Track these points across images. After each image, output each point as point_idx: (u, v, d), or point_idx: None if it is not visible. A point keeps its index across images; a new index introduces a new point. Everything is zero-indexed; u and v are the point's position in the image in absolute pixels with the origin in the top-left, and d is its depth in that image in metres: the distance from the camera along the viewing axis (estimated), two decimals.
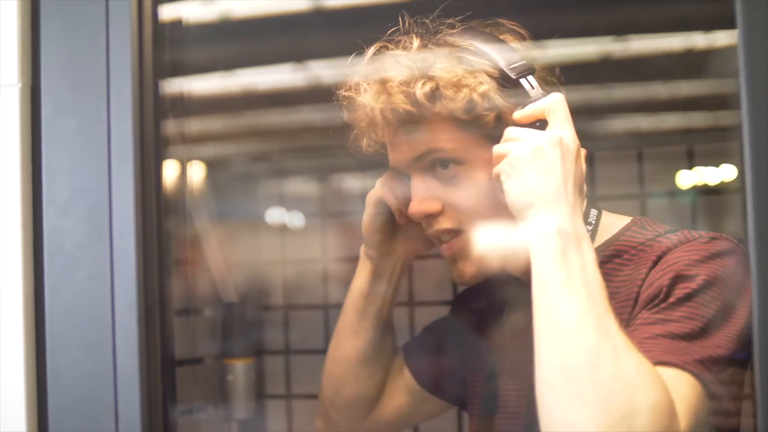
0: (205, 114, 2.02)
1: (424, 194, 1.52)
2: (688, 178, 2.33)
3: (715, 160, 2.29)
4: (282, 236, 2.57)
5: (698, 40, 1.96)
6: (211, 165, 2.33)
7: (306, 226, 2.58)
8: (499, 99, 1.44)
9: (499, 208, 1.41)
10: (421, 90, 1.45)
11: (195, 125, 1.83)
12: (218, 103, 2.16)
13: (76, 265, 1.28)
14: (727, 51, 1.79)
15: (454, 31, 1.51)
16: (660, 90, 2.12)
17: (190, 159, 1.96)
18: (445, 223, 1.52)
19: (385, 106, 1.48)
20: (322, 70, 2.09)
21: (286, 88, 2.18)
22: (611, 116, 2.21)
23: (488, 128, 1.45)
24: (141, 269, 1.26)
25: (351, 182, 2.56)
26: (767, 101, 1.09)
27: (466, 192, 1.49)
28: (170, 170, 1.48)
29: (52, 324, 1.29)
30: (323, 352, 2.22)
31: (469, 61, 1.46)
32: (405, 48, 1.49)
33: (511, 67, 1.44)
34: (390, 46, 1.50)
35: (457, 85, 1.44)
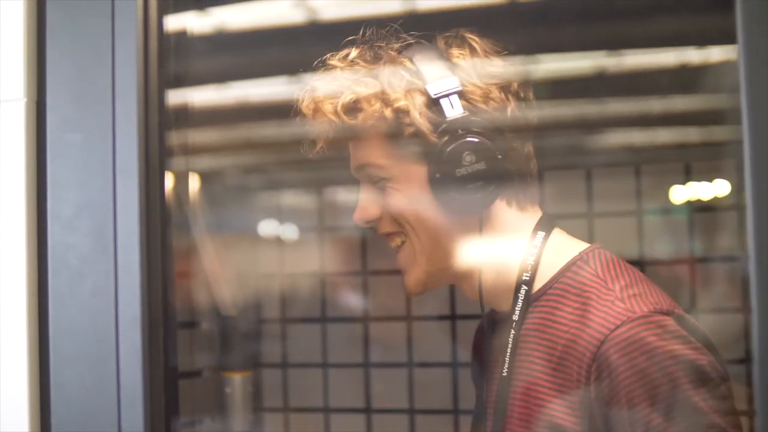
0: (204, 126, 2.03)
1: (364, 202, 1.56)
2: (681, 194, 2.33)
3: (709, 175, 2.30)
4: (279, 249, 2.58)
5: (693, 55, 1.97)
6: (210, 177, 2.33)
7: (304, 239, 2.58)
8: (417, 115, 1.46)
9: (434, 224, 1.49)
10: (341, 101, 1.49)
11: (194, 137, 1.84)
12: (216, 115, 2.16)
13: (81, 280, 1.28)
14: (722, 66, 1.80)
15: (402, 44, 1.53)
16: (654, 105, 2.13)
17: (191, 171, 1.96)
18: (385, 227, 1.56)
19: (318, 117, 1.52)
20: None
21: (285, 100, 2.18)
22: (605, 131, 2.21)
23: (409, 144, 1.49)
24: (145, 284, 1.26)
25: (351, 196, 2.56)
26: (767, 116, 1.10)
27: (397, 201, 1.52)
28: (172, 183, 1.48)
29: (56, 338, 1.29)
30: (320, 365, 2.23)
31: (400, 76, 1.49)
32: (342, 59, 1.52)
33: (434, 84, 1.46)
34: (332, 57, 1.53)
35: (375, 99, 1.48)
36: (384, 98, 1.48)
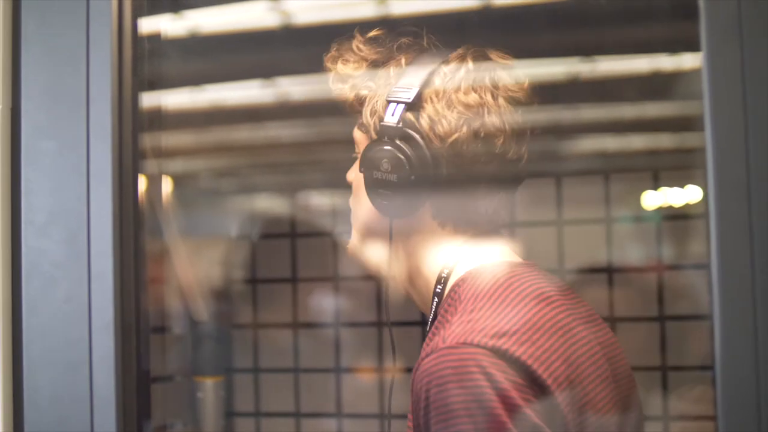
0: (177, 129, 2.03)
1: (353, 167, 1.59)
2: (653, 200, 2.35)
3: (680, 181, 2.32)
4: (252, 254, 2.58)
5: (665, 62, 1.99)
6: (182, 181, 2.33)
7: (276, 244, 2.58)
8: (367, 111, 1.50)
9: (361, 209, 1.53)
10: (334, 71, 1.54)
11: (167, 140, 1.84)
12: (189, 119, 2.16)
13: (54, 286, 1.28)
14: (694, 73, 1.82)
15: (414, 43, 1.54)
16: (625, 111, 2.14)
17: (163, 176, 1.96)
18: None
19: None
20: (292, 87, 2.11)
21: (257, 104, 2.19)
22: (578, 137, 2.22)
23: (363, 130, 1.53)
24: (118, 290, 1.27)
25: (323, 199, 2.57)
26: (730, 124, 1.12)
27: (352, 174, 1.57)
28: (145, 188, 1.48)
29: (29, 344, 1.29)
30: (292, 371, 2.22)
31: (386, 71, 1.51)
32: (361, 35, 1.55)
33: (396, 89, 1.47)
34: (360, 30, 1.56)
35: (351, 80, 1.53)
36: (356, 83, 1.51)
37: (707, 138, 1.13)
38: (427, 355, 1.31)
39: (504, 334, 1.31)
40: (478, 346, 1.28)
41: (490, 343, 1.29)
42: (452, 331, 1.32)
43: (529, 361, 1.30)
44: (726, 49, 1.13)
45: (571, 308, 1.44)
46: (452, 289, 1.44)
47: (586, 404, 1.38)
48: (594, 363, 1.42)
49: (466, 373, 1.27)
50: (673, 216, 2.32)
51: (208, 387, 2.31)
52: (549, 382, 1.30)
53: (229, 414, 2.50)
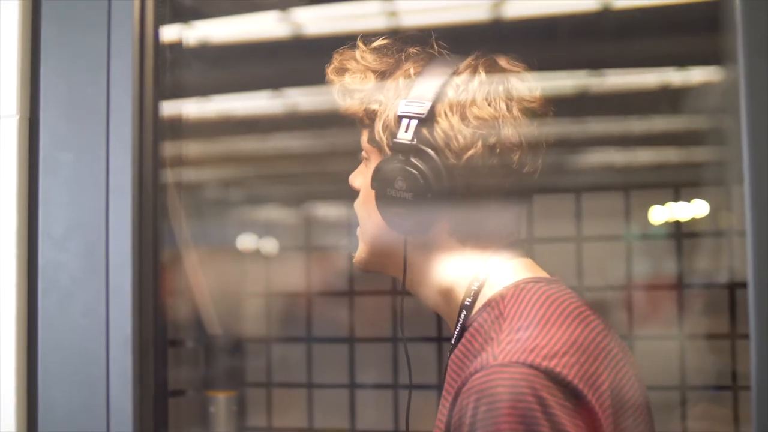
0: (194, 139, 2.02)
1: (356, 170, 1.58)
2: (661, 214, 2.34)
3: (688, 196, 2.31)
4: (265, 267, 2.56)
5: (674, 76, 1.98)
6: (196, 191, 2.31)
7: (291, 257, 2.57)
8: (380, 124, 1.46)
9: (372, 219, 1.49)
10: (339, 85, 1.51)
11: (185, 150, 1.83)
12: (206, 128, 2.15)
13: (71, 300, 1.26)
14: (704, 87, 1.81)
15: (423, 51, 1.50)
16: (635, 126, 2.13)
17: (179, 188, 1.95)
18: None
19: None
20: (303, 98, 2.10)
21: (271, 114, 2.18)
22: (587, 150, 2.21)
23: (374, 141, 1.49)
24: (137, 304, 1.25)
25: (339, 212, 2.56)
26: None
27: (363, 181, 1.53)
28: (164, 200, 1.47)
29: (45, 359, 1.27)
30: (305, 385, 2.20)
31: (395, 83, 1.48)
32: (365, 43, 1.52)
33: (406, 102, 1.44)
34: (361, 38, 1.53)
35: (360, 93, 1.49)
36: (364, 97, 1.48)
37: (744, 153, 1.11)
38: (476, 371, 1.29)
39: (555, 355, 1.29)
40: (531, 366, 1.26)
41: (543, 363, 1.27)
42: (502, 349, 1.29)
43: (580, 386, 1.28)
44: (764, 63, 1.11)
45: (605, 329, 1.41)
46: (490, 305, 1.41)
47: (625, 429, 1.36)
48: (631, 387, 1.40)
49: (519, 394, 1.25)
50: (683, 231, 2.30)
51: (221, 402, 2.30)
52: (597, 407, 1.29)
53: (242, 429, 2.49)
